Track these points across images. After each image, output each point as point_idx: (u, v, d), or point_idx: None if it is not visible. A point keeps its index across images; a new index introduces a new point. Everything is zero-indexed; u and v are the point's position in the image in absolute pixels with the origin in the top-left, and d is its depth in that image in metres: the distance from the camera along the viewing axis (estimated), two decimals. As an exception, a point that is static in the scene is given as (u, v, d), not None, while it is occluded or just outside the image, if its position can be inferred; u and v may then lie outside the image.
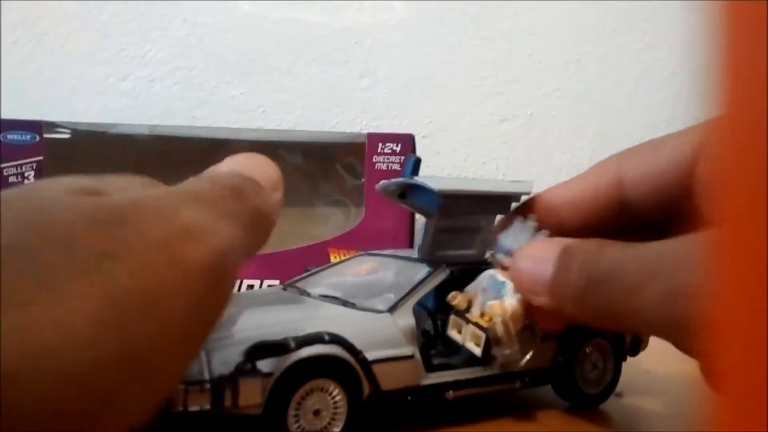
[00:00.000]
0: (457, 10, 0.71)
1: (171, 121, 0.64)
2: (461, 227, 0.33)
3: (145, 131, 0.55)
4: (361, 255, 0.37)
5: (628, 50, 0.74)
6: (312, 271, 0.36)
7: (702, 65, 0.11)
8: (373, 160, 0.55)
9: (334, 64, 0.69)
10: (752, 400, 0.10)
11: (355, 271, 0.36)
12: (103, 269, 0.17)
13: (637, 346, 0.37)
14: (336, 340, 0.27)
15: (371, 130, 0.63)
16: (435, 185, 0.30)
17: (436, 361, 0.31)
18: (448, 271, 0.32)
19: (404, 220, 0.54)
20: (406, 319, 0.30)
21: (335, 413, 0.27)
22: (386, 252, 0.37)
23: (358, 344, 0.28)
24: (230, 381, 0.25)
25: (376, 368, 0.28)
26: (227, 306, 0.22)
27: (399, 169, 0.55)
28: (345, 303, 0.31)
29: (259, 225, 0.25)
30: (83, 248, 0.17)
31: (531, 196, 0.32)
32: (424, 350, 0.31)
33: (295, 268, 0.40)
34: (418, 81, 0.71)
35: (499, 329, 0.29)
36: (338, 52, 0.69)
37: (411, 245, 0.54)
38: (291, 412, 0.26)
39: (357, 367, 0.27)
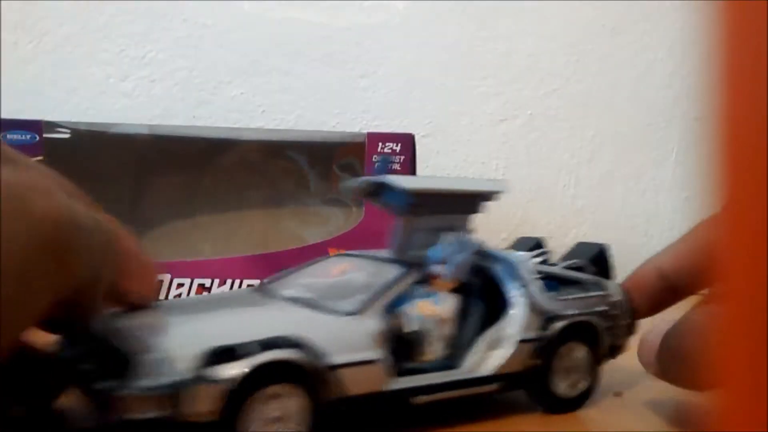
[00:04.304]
0: (457, 10, 0.71)
1: (171, 121, 0.65)
2: (434, 227, 0.32)
3: (145, 131, 0.55)
4: (337, 255, 0.37)
5: (628, 50, 0.73)
6: (287, 271, 0.35)
7: (702, 66, 0.11)
8: (373, 159, 0.55)
9: (334, 64, 0.69)
10: (752, 401, 0.10)
11: (330, 271, 0.34)
12: None
13: (614, 350, 0.36)
14: (298, 344, 0.26)
15: (371, 130, 0.63)
16: (404, 184, 0.30)
17: (406, 365, 0.30)
18: (421, 272, 0.31)
19: (404, 220, 0.54)
20: (374, 321, 0.29)
21: (297, 420, 0.26)
22: (364, 252, 0.35)
23: (321, 348, 0.26)
24: (186, 387, 0.24)
25: (340, 373, 0.27)
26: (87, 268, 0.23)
27: (399, 169, 0.55)
28: (311, 305, 0.30)
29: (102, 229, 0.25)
30: None
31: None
32: (394, 353, 0.29)
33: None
34: (418, 81, 0.71)
35: (429, 325, 0.31)
36: (338, 52, 0.69)
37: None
38: (249, 418, 0.25)
39: (320, 371, 0.26)
